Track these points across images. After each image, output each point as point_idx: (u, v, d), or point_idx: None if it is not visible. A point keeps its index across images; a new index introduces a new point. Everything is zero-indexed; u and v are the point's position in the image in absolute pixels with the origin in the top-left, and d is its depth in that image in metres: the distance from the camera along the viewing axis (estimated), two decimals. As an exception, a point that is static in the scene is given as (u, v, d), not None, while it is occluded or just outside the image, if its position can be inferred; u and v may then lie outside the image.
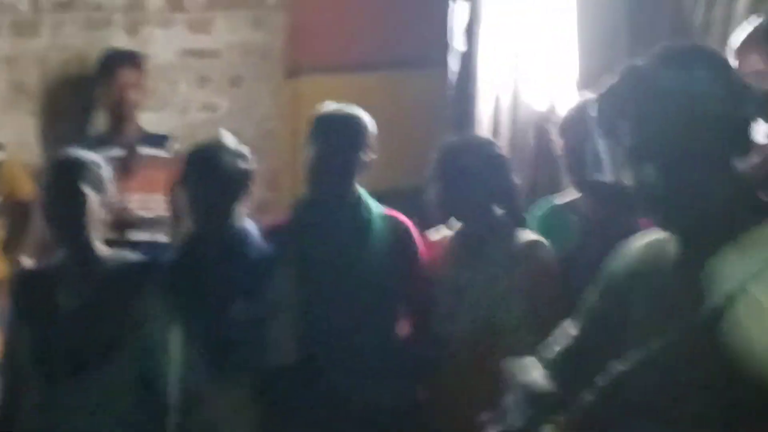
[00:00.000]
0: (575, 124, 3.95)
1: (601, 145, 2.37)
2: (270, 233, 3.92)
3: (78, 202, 3.52)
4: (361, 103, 4.07)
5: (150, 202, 5.23)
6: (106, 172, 3.69)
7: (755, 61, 3.74)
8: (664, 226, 2.31)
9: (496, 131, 5.11)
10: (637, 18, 5.17)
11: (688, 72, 2.17)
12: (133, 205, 5.09)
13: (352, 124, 3.89)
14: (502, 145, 4.81)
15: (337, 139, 3.85)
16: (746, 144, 2.16)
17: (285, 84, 6.79)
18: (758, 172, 3.66)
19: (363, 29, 6.28)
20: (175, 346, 3.81)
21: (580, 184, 4.03)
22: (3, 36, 6.29)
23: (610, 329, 2.46)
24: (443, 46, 5.72)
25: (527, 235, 3.89)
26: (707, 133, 2.14)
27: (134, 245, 4.62)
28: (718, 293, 2.08)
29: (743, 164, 2.51)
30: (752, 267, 2.07)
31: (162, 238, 5.02)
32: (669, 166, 2.14)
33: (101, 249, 3.65)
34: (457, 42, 5.54)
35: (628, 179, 2.24)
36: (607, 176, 2.50)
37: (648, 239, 2.41)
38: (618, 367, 2.39)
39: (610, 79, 2.28)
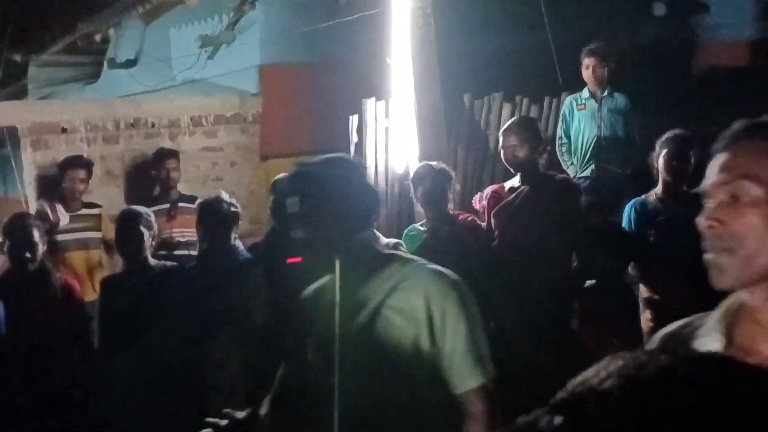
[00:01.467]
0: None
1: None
2: (251, 248, 4.05)
3: (135, 236, 3.74)
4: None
5: (186, 234, 5.39)
6: (153, 218, 3.96)
7: (512, 140, 4.05)
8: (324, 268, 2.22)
9: (376, 185, 5.27)
10: (451, 121, 5.40)
11: (337, 170, 2.10)
12: (175, 235, 5.45)
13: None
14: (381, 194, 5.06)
15: (284, 192, 3.80)
16: (369, 219, 2.13)
17: (260, 165, 7.17)
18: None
19: (302, 132, 6.51)
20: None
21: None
22: (99, 144, 6.77)
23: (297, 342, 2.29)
24: (346, 138, 5.98)
25: (391, 240, 3.89)
26: (345, 209, 2.04)
27: (178, 258, 4.87)
28: (360, 318, 2.05)
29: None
30: (386, 289, 2.03)
31: (194, 252, 5.04)
32: (316, 227, 2.02)
33: (151, 261, 3.89)
34: (353, 136, 5.61)
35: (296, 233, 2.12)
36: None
37: (322, 281, 2.26)
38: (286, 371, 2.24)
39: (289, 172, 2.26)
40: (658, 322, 3.69)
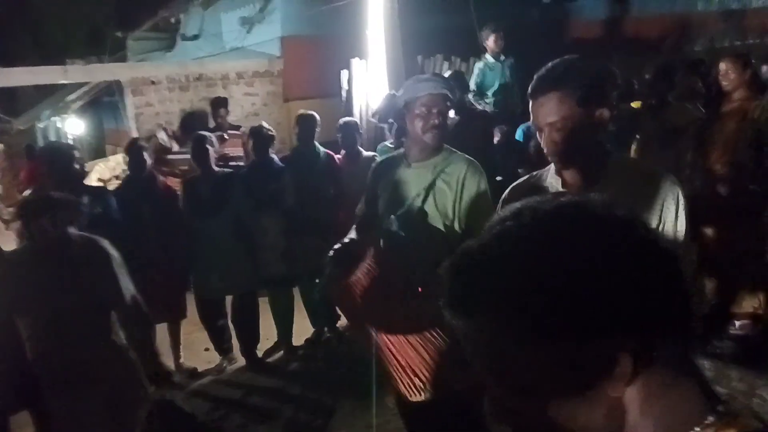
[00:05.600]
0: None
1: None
2: (282, 159, 3.85)
3: (204, 151, 3.55)
4: (313, 109, 3.96)
5: (236, 151, 5.22)
6: (214, 139, 3.73)
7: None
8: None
9: (360, 121, 5.17)
10: (408, 74, 5.27)
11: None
12: (228, 152, 5.07)
13: (312, 117, 3.80)
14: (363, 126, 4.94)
15: (306, 123, 3.80)
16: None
17: (283, 105, 7.16)
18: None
19: (310, 82, 6.35)
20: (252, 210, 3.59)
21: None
22: (176, 91, 6.64)
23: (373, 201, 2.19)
24: (339, 86, 5.77)
25: (369, 153, 3.95)
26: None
27: (232, 167, 4.62)
28: (424, 183, 2.00)
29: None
30: (439, 168, 1.99)
31: (242, 164, 4.93)
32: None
33: (215, 169, 3.63)
34: (345, 84, 5.64)
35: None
36: None
37: (392, 154, 2.17)
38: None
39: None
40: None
